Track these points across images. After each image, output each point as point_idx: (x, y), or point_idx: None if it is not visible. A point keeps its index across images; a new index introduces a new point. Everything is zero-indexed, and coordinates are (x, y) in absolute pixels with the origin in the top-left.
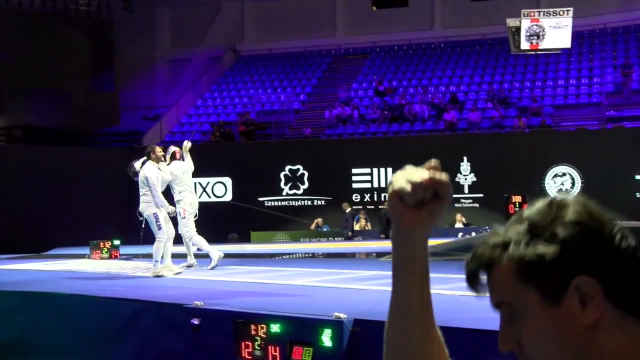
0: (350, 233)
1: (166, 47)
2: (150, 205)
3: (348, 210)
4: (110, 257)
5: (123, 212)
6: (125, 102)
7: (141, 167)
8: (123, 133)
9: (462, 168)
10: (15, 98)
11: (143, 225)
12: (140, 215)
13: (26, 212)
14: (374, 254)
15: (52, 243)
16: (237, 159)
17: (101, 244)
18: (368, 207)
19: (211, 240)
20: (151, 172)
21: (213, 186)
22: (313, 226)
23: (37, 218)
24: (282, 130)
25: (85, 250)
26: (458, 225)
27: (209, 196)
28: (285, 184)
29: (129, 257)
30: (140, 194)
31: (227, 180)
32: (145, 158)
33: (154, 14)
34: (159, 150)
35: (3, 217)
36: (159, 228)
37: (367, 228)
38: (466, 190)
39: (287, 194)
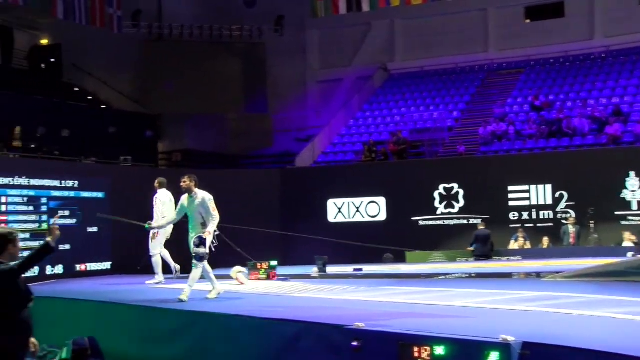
0: (482, 252)
1: (316, 68)
2: None
3: (480, 228)
4: (267, 278)
5: (278, 233)
6: (278, 124)
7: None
8: (276, 155)
9: (628, 183)
10: (176, 124)
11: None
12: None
13: (185, 232)
14: (535, 274)
15: (210, 263)
16: (391, 178)
17: (258, 264)
18: (526, 225)
19: (366, 260)
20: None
21: (367, 206)
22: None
23: None
24: (435, 148)
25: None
26: (627, 244)
27: (363, 216)
28: (440, 203)
29: (286, 277)
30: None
31: (381, 200)
32: None
33: (304, 35)
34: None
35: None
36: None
37: (525, 247)
38: (634, 207)
39: (442, 213)
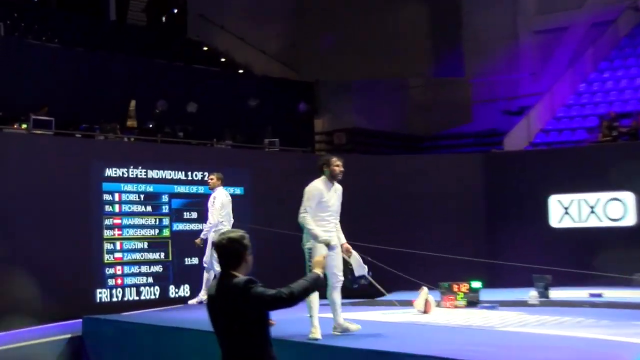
0: None
1: (532, 13)
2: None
3: None
4: (467, 305)
5: (480, 243)
6: (479, 92)
7: None
8: (476, 134)
9: None
10: (338, 94)
11: None
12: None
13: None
14: None
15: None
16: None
17: (455, 286)
18: None
19: (606, 281)
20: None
21: (606, 205)
22: None
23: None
24: None
25: (435, 295)
26: None
27: (600, 219)
28: None
29: (493, 304)
30: None
31: (627, 197)
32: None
33: None
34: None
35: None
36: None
37: None
38: None
39: None
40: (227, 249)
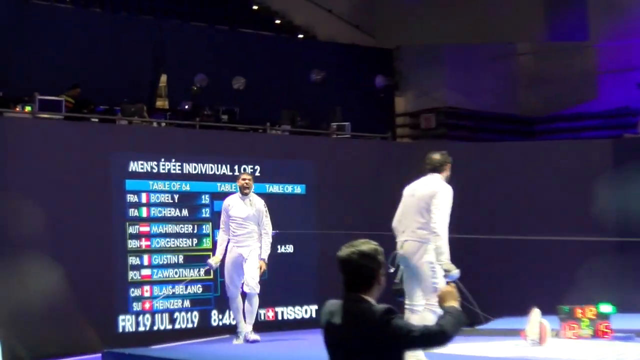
0: None
1: None
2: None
3: None
4: (595, 335)
5: (609, 256)
6: (607, 60)
7: None
8: (603, 114)
9: None
10: (425, 65)
11: None
12: None
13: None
14: None
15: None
16: None
17: (578, 311)
18: None
19: None
20: None
21: None
22: None
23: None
24: None
25: (552, 322)
26: None
27: None
28: None
29: (629, 335)
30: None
31: None
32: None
33: None
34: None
35: None
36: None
37: None
38: None
39: None
40: (358, 266)
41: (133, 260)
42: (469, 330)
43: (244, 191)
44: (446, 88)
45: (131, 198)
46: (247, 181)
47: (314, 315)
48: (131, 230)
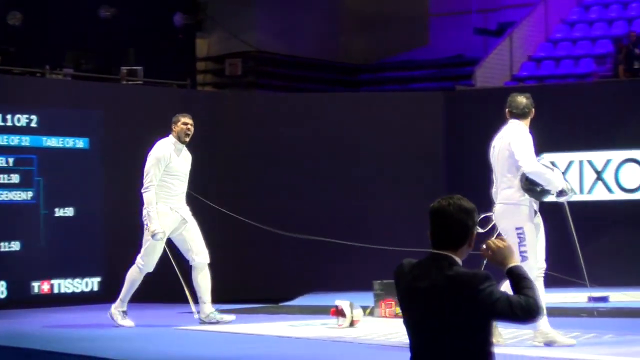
0: None
1: None
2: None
3: None
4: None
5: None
6: (439, 2)
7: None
8: (436, 62)
9: None
10: (231, 5)
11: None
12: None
13: (259, 214)
14: None
15: (302, 282)
16: None
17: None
18: None
19: (617, 279)
20: None
21: (618, 169)
22: None
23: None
24: None
25: (367, 299)
26: None
27: (610, 189)
28: None
29: None
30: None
31: None
32: None
33: None
34: None
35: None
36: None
37: None
38: None
39: None
40: (454, 221)
41: None
42: (274, 307)
43: (183, 139)
44: (257, 30)
45: None
46: (188, 126)
47: (95, 288)
48: None
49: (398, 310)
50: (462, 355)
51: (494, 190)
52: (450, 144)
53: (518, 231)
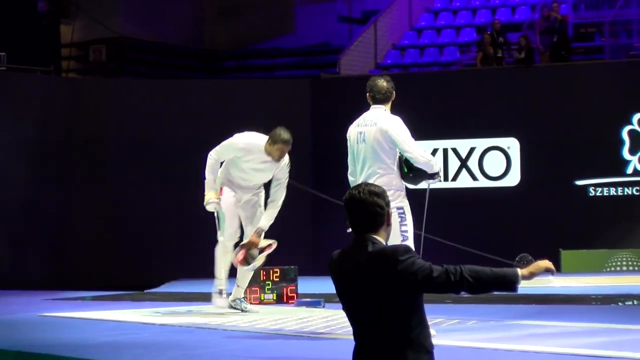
0: None
1: None
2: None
3: None
4: (279, 300)
5: (304, 213)
6: None
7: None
8: (301, 50)
9: None
10: None
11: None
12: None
13: (114, 204)
14: None
15: (168, 267)
16: (534, 101)
17: (261, 273)
18: None
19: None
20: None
21: (482, 157)
22: None
23: (132, 217)
24: (626, 40)
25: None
26: None
27: (474, 177)
28: (633, 153)
29: (318, 300)
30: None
31: (512, 144)
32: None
33: None
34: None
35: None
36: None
37: None
38: None
39: (637, 172)
40: (366, 204)
41: None
42: (137, 294)
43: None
44: (121, 16)
45: None
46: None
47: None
48: None
49: (263, 297)
50: (399, 336)
51: (352, 177)
52: (316, 130)
53: (399, 211)
